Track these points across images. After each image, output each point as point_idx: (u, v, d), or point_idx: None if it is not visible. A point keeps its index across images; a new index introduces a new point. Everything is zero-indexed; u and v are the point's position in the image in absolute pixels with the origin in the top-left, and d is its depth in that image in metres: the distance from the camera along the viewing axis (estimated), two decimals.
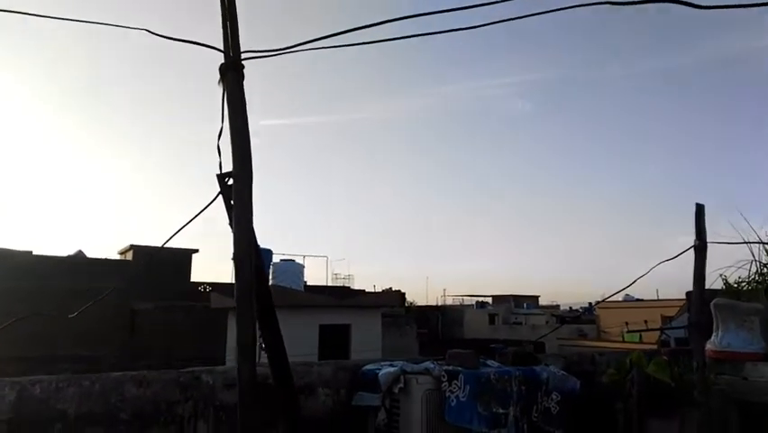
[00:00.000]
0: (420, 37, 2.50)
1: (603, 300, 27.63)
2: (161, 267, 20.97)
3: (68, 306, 3.08)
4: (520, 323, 40.57)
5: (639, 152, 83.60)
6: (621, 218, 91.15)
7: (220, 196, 2.40)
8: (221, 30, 2.32)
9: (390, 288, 34.23)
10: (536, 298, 51.67)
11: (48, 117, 54.82)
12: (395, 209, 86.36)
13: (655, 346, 16.95)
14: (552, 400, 3.74)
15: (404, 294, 34.73)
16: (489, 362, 3.91)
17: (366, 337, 16.38)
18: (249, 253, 2.24)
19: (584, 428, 3.95)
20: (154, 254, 18.95)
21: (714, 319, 4.32)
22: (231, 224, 2.30)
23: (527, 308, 46.06)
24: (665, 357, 4.43)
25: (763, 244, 4.70)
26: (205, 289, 22.75)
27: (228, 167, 2.31)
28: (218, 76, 2.33)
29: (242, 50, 2.33)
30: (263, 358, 2.64)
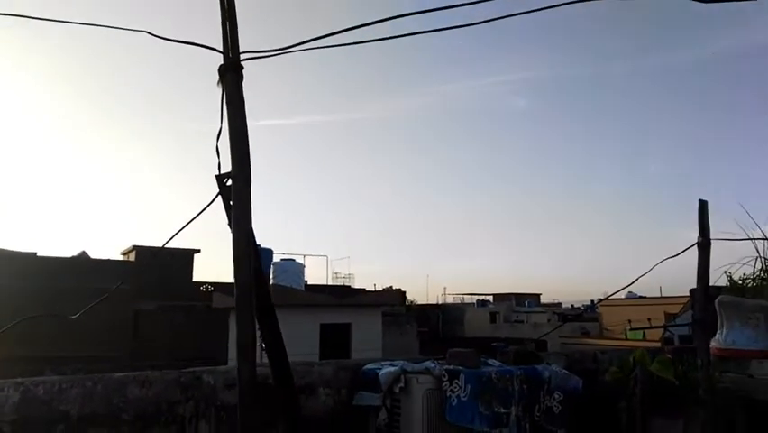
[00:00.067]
0: (419, 36, 2.49)
1: (606, 298, 27.62)
2: (164, 267, 21.01)
3: (72, 306, 3.08)
4: (522, 321, 40.57)
5: (642, 148, 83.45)
6: (623, 215, 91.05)
7: (219, 196, 2.39)
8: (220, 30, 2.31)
9: (391, 286, 34.26)
10: (538, 296, 51.71)
11: (50, 118, 54.97)
12: (395, 208, 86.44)
13: (659, 344, 16.93)
14: (554, 399, 3.72)
15: (404, 293, 34.76)
16: (491, 361, 3.89)
17: (367, 336, 16.40)
18: (248, 253, 2.23)
19: (587, 428, 3.93)
20: (156, 255, 18.97)
21: (718, 317, 4.29)
22: (230, 224, 2.30)
23: (529, 306, 46.07)
24: (669, 355, 4.40)
25: None
26: (207, 288, 22.79)
27: (227, 167, 2.30)
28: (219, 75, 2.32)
29: (241, 50, 2.32)
30: (265, 358, 2.64)
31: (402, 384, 3.36)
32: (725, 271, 4.75)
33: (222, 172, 2.35)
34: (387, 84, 74.26)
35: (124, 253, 24.82)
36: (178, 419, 3.09)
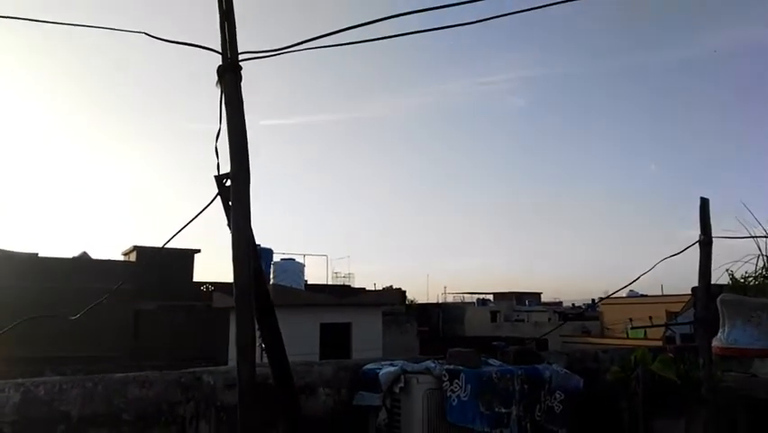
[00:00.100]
0: (417, 35, 2.48)
1: (607, 297, 27.59)
2: (164, 267, 21.01)
3: (73, 307, 3.07)
4: (522, 320, 40.56)
5: (642, 147, 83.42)
6: (624, 214, 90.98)
7: (218, 197, 2.39)
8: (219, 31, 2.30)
9: (391, 286, 34.17)
10: (538, 295, 51.69)
11: (51, 118, 54.99)
12: (394, 207, 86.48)
13: (660, 343, 16.91)
14: (555, 398, 3.71)
15: (404, 292, 34.67)
16: (491, 360, 3.88)
17: (367, 336, 16.40)
18: (247, 253, 2.22)
19: (588, 427, 3.92)
20: (156, 255, 18.97)
21: (720, 315, 4.28)
22: (229, 225, 2.29)
23: (529, 305, 46.05)
24: (671, 354, 4.39)
25: None
26: (207, 288, 22.80)
27: (226, 168, 2.29)
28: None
29: (240, 50, 2.31)
30: (265, 358, 2.63)
31: (402, 384, 3.35)
32: (727, 270, 4.73)
33: (221, 173, 2.34)
34: (386, 83, 74.35)
35: (125, 254, 24.83)
36: (178, 419, 3.08)
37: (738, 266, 4.66)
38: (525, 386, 3.61)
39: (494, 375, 3.54)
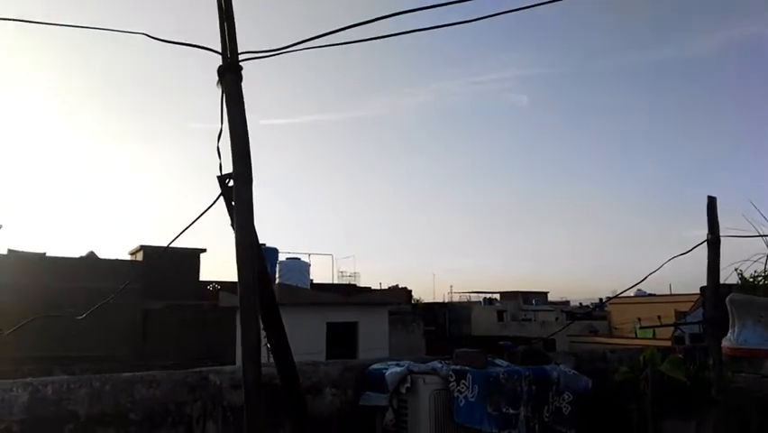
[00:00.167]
0: (417, 34, 2.47)
1: (615, 296, 27.38)
2: (171, 267, 21.10)
3: (81, 306, 3.08)
4: (529, 320, 40.43)
5: (644, 145, 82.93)
6: (632, 212, 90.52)
7: (221, 198, 2.38)
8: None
9: (397, 285, 34.13)
10: (545, 294, 51.46)
11: (58, 119, 55.37)
12: (398, 206, 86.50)
13: (669, 343, 16.80)
14: (563, 399, 3.69)
15: (410, 291, 34.62)
16: (498, 361, 3.86)
17: (373, 335, 16.37)
18: (251, 253, 2.21)
19: (596, 429, 3.89)
20: (162, 255, 19.06)
21: (730, 315, 4.23)
22: (233, 225, 2.28)
23: (536, 304, 45.88)
24: (680, 355, 4.35)
25: None
26: (213, 288, 22.87)
27: (228, 168, 2.29)
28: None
29: (240, 50, 2.30)
30: (272, 358, 2.62)
31: (409, 385, 3.34)
32: (735, 269, 4.69)
33: (223, 173, 2.33)
34: (385, 82, 74.55)
35: (132, 253, 24.94)
36: (185, 419, 3.08)
37: (747, 265, 4.61)
38: (533, 387, 3.59)
39: (501, 376, 3.51)
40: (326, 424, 3.44)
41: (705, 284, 3.91)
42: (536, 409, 3.57)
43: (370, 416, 3.48)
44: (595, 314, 39.09)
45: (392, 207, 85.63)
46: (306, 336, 13.36)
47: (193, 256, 23.44)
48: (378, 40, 2.43)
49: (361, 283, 30.58)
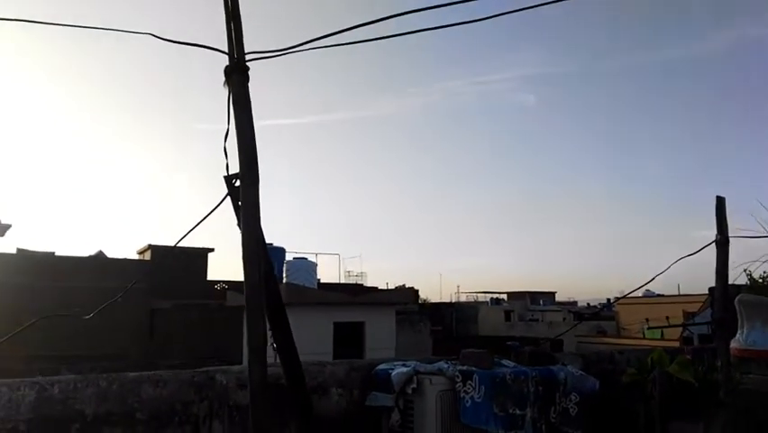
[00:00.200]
0: (423, 34, 2.47)
1: (623, 297, 27.19)
2: (178, 266, 21.19)
3: (89, 305, 3.10)
4: (537, 320, 40.23)
5: (657, 145, 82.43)
6: (640, 212, 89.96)
7: (228, 197, 2.38)
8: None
9: (404, 285, 34.07)
10: (553, 294, 51.24)
11: (67, 119, 55.76)
12: (405, 206, 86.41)
13: (678, 344, 16.68)
14: (570, 400, 3.67)
15: (417, 291, 34.54)
16: (505, 361, 3.85)
17: (380, 335, 16.37)
18: (257, 254, 2.21)
19: (603, 430, 3.87)
20: (170, 254, 19.13)
21: (738, 316, 4.20)
22: (239, 225, 2.29)
23: (544, 304, 45.68)
24: (688, 356, 4.32)
25: None
26: (221, 287, 22.94)
27: (235, 168, 2.29)
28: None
29: (246, 51, 2.31)
30: (278, 358, 2.62)
31: (415, 385, 3.34)
32: (744, 270, 4.65)
33: (230, 173, 2.34)
34: (391, 82, 74.51)
35: (140, 253, 25.08)
36: (192, 418, 3.09)
37: (756, 266, 4.57)
38: (540, 388, 3.57)
39: (508, 377, 3.50)
40: (332, 424, 3.44)
41: (714, 285, 3.88)
42: (543, 410, 3.55)
43: (376, 416, 3.48)
44: (603, 314, 38.86)
45: (399, 206, 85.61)
46: (313, 336, 13.38)
47: (201, 256, 23.53)
48: (383, 40, 2.43)
49: (368, 283, 30.53)
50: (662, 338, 25.08)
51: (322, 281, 22.41)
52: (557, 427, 3.58)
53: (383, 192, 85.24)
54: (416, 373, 3.38)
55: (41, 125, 53.18)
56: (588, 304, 49.72)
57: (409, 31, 2.46)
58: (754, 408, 3.80)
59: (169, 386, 3.07)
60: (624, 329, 36.46)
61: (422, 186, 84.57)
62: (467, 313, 39.02)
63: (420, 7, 2.37)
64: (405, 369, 3.41)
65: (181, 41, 2.38)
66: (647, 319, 31.03)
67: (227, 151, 2.29)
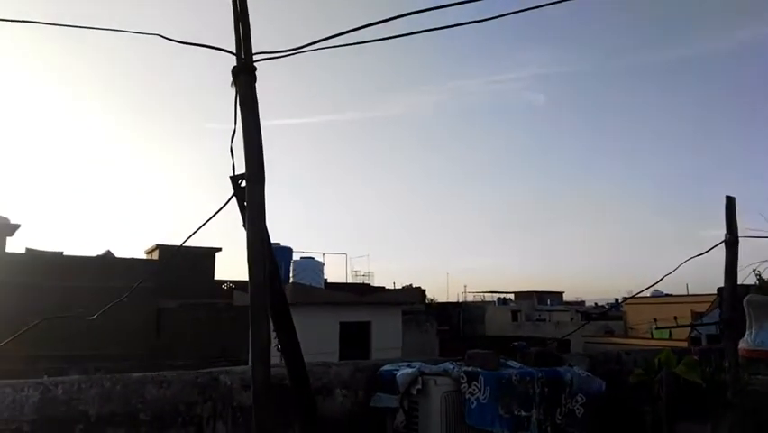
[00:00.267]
0: (432, 33, 2.45)
1: (631, 297, 27.09)
2: (186, 266, 21.27)
3: (97, 305, 3.11)
4: (544, 320, 40.09)
5: (667, 144, 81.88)
6: (648, 211, 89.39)
7: (234, 198, 2.38)
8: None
9: (410, 284, 34.10)
10: (560, 294, 51.06)
11: (75, 119, 56.15)
12: (412, 205, 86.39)
13: (686, 344, 16.55)
14: (576, 402, 3.64)
15: (424, 291, 34.54)
16: (511, 362, 3.83)
17: (387, 334, 16.37)
18: (262, 254, 2.21)
19: (610, 431, 3.84)
20: (177, 254, 19.23)
21: (747, 317, 4.17)
22: (245, 225, 2.28)
23: (551, 304, 45.52)
24: (696, 357, 4.28)
25: None
26: (228, 286, 23.02)
27: (242, 168, 2.29)
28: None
29: (254, 51, 2.30)
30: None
31: (420, 386, 3.32)
32: (753, 270, 4.60)
33: (236, 174, 2.34)
34: (401, 82, 74.53)
35: (148, 252, 25.21)
36: (195, 419, 3.09)
37: (765, 266, 4.52)
38: (546, 389, 3.55)
39: (513, 378, 3.48)
40: (336, 425, 3.44)
41: (722, 285, 3.84)
42: (549, 412, 3.53)
43: (380, 417, 3.47)
44: (610, 314, 38.69)
45: (407, 206, 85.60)
46: (320, 336, 13.40)
47: (208, 255, 23.61)
48: (392, 39, 2.42)
49: (375, 283, 30.55)
50: (671, 338, 24.93)
51: (329, 281, 22.45)
52: (563, 428, 3.56)
53: (391, 192, 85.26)
54: (421, 373, 3.37)
55: (49, 126, 53.61)
56: (595, 304, 49.53)
57: (417, 30, 2.44)
58: (762, 409, 3.76)
59: (173, 387, 3.07)
60: (632, 329, 36.26)
61: (430, 185, 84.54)
62: (474, 313, 38.94)
63: (428, 6, 2.36)
64: (410, 370, 3.40)
65: (188, 41, 2.39)
66: (655, 319, 30.86)
67: (233, 151, 2.29)
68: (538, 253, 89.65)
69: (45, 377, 2.92)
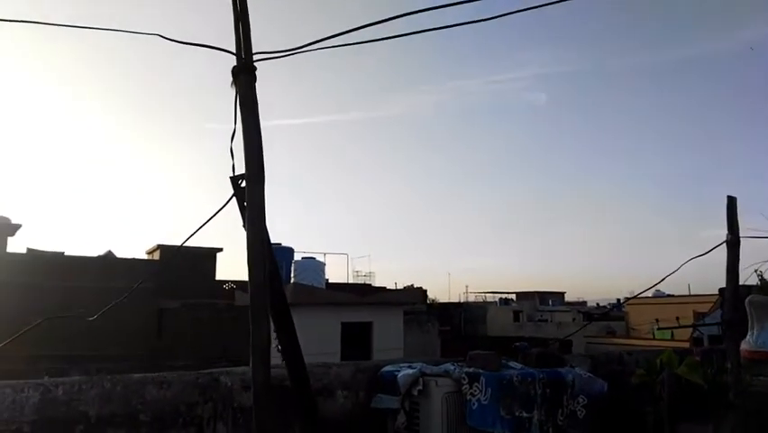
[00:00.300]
0: (432, 33, 2.45)
1: (633, 297, 27.03)
2: (187, 266, 21.26)
3: (98, 305, 3.10)
4: (546, 320, 40.05)
5: (668, 144, 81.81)
6: (650, 211, 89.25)
7: (234, 198, 2.38)
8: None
9: (412, 285, 34.08)
10: (562, 294, 51.03)
11: (76, 119, 56.23)
12: (413, 205, 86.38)
13: (688, 345, 16.52)
14: (578, 403, 3.63)
15: (426, 291, 34.51)
16: (512, 363, 3.82)
17: (388, 335, 16.37)
18: (262, 255, 2.20)
19: (611, 432, 3.83)
20: (178, 254, 19.22)
21: (749, 318, 4.15)
22: (245, 226, 2.28)
23: (553, 304, 45.49)
24: (698, 357, 4.27)
25: None
26: (230, 287, 23.03)
27: (242, 168, 2.28)
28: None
29: (254, 51, 2.30)
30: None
31: (421, 387, 3.32)
32: (755, 270, 4.58)
33: (236, 174, 2.33)
34: (401, 82, 74.53)
35: (149, 252, 25.20)
36: (196, 420, 3.09)
37: (767, 267, 4.50)
38: (547, 390, 3.54)
39: (515, 379, 3.47)
40: (337, 426, 3.43)
41: (724, 285, 3.82)
42: (550, 413, 3.52)
43: (381, 418, 3.46)
44: (612, 314, 38.61)
45: (408, 206, 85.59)
46: (321, 336, 13.40)
47: (209, 256, 23.59)
48: (392, 39, 2.41)
49: (377, 283, 30.54)
50: (672, 339, 24.88)
51: (330, 281, 22.45)
52: (564, 429, 3.55)
53: (393, 192, 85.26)
54: (423, 374, 3.36)
55: (49, 126, 53.68)
56: (597, 304, 49.42)
57: (417, 30, 2.44)
58: (764, 410, 3.74)
59: (174, 387, 3.07)
60: (633, 330, 36.20)
61: (431, 185, 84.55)
62: (475, 313, 38.92)
63: (428, 6, 2.35)
64: (411, 371, 3.39)
65: (188, 41, 2.38)
66: (657, 320, 30.78)
67: (233, 151, 2.29)
68: (539, 254, 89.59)
69: (46, 377, 2.92)
